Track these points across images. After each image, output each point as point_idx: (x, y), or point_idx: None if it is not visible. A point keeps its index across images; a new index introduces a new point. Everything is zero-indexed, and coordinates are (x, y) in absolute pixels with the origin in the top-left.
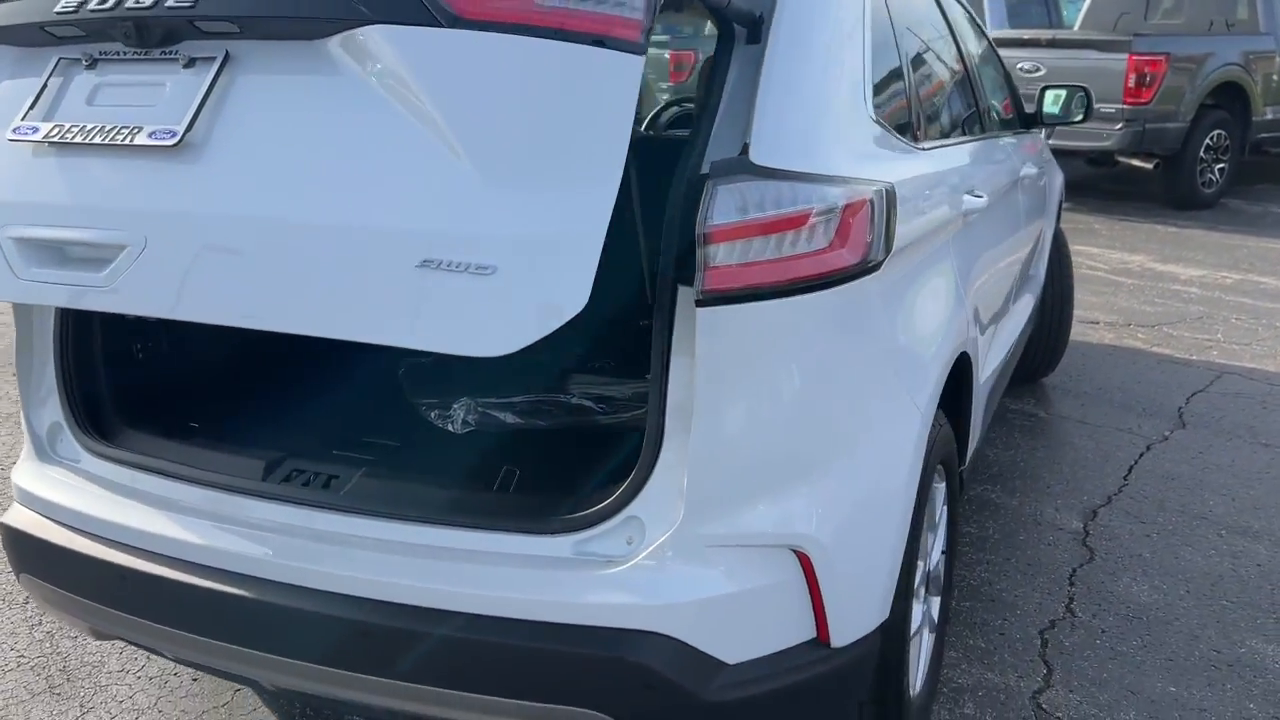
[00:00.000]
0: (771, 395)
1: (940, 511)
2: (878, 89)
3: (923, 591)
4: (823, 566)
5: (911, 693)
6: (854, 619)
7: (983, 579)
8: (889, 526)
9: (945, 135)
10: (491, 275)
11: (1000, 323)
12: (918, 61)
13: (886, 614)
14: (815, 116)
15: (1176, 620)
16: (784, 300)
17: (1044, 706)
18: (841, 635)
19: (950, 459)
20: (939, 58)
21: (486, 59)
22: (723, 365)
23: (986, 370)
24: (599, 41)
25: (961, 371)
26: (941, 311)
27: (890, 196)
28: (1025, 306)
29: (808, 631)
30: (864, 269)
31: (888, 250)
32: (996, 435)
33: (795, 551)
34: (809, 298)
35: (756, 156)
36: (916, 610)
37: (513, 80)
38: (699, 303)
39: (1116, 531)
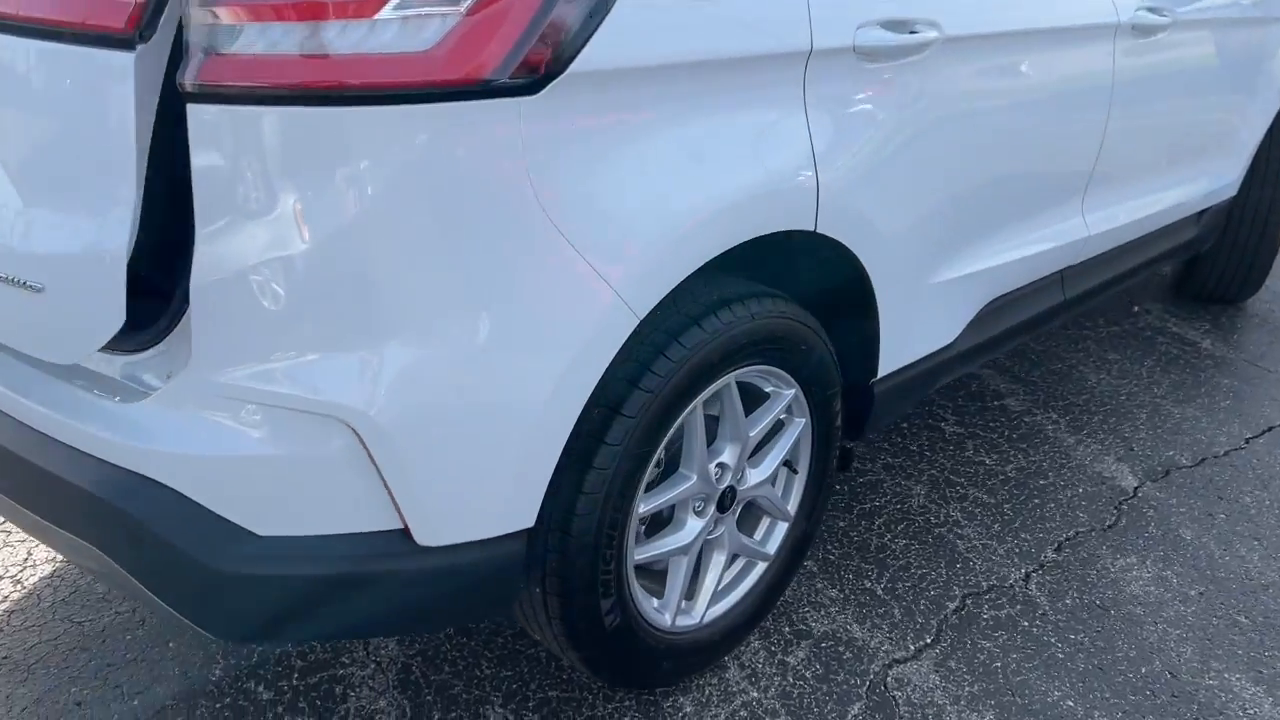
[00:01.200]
0: (315, 236)
1: (757, 423)
2: None
3: (701, 510)
4: (382, 450)
5: (661, 622)
6: (453, 518)
7: (951, 520)
8: (518, 422)
9: None
10: (42, 293)
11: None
12: None
13: (530, 521)
14: None
15: (1152, 626)
16: (314, 110)
17: (890, 679)
18: (431, 534)
19: (794, 365)
20: None
21: (9, 65)
22: (225, 187)
23: (943, 264)
24: (100, 40)
25: (837, 262)
26: (742, 176)
27: None
28: (1161, 192)
29: (387, 521)
30: (497, 88)
31: (552, 68)
32: (1120, 359)
33: (351, 427)
34: (369, 114)
35: None
36: (687, 532)
37: (34, 90)
38: (187, 96)
39: (1170, 505)
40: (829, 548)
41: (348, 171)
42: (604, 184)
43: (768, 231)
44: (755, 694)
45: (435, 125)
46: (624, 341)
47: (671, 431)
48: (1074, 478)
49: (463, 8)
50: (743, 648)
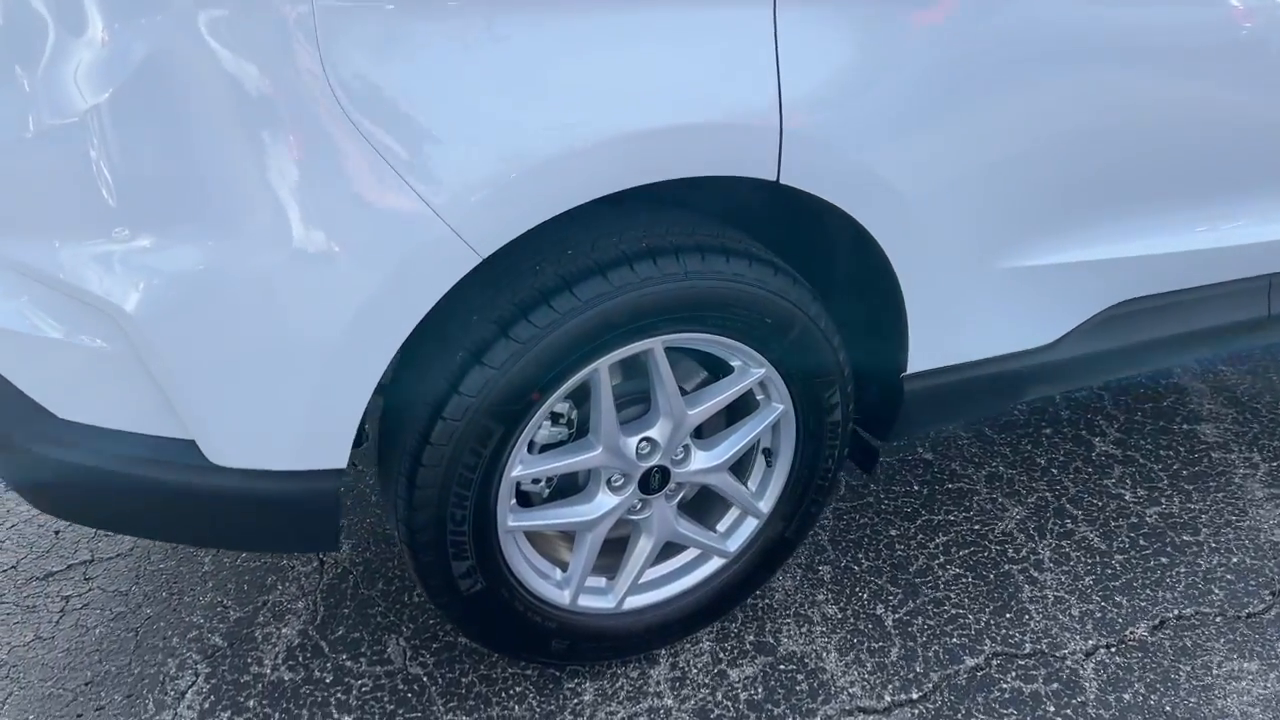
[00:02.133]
0: (96, 116)
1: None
2: None
3: (620, 486)
4: (147, 352)
5: (556, 599)
6: (244, 442)
7: (1035, 558)
8: (311, 348)
9: None
10: None
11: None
12: None
13: (340, 462)
14: None
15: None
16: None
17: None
18: (219, 453)
19: (759, 340)
20: None
21: None
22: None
23: (1026, 245)
24: None
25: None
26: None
27: None
28: None
29: (176, 429)
30: None
31: None
32: None
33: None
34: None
35: None
36: (593, 506)
37: None
38: None
39: None
40: (861, 554)
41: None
42: (430, 85)
43: (696, 174)
44: (669, 702)
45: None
46: (462, 277)
47: (563, 390)
48: (1236, 542)
49: None
50: (689, 643)
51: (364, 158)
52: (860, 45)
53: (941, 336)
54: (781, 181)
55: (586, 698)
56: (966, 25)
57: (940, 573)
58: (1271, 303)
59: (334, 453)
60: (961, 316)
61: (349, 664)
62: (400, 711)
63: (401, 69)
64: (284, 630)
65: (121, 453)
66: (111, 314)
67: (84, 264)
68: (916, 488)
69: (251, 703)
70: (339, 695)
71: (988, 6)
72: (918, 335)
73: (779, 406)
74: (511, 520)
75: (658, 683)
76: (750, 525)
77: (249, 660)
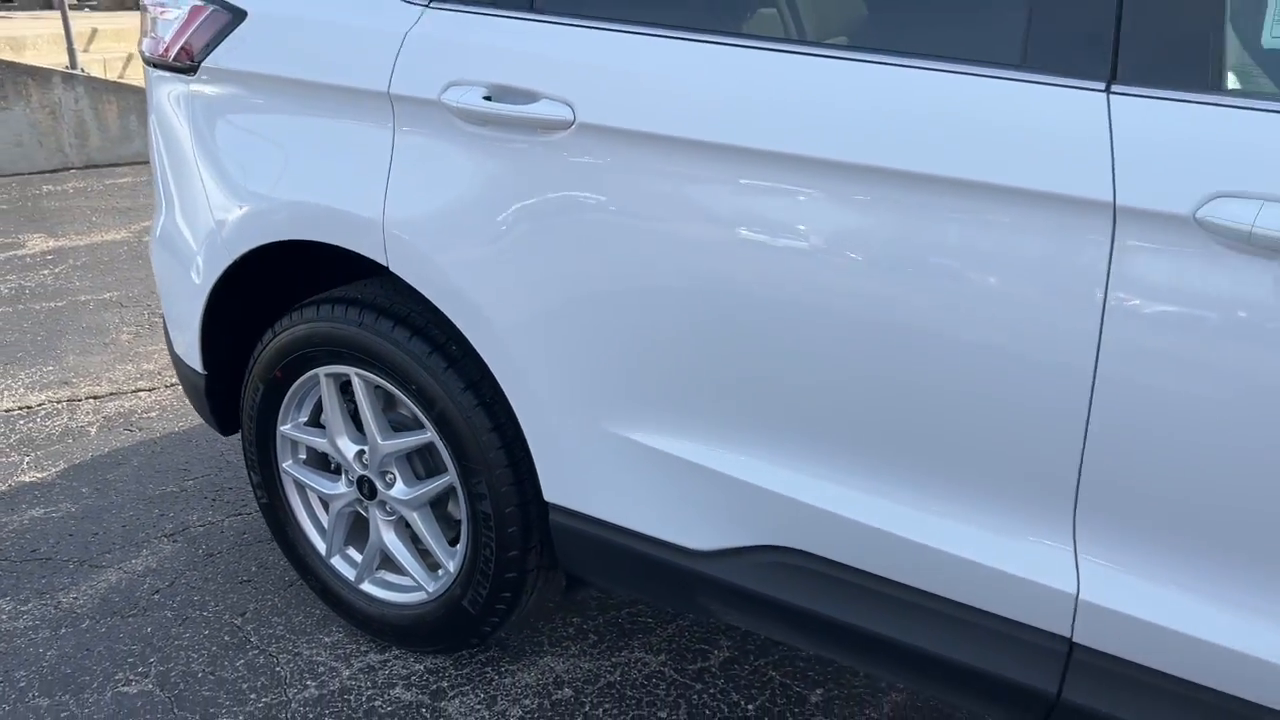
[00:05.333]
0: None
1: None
2: None
3: (346, 475)
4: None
5: (318, 546)
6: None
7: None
8: (187, 277)
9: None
10: None
11: None
12: None
13: (199, 367)
14: None
15: None
16: (158, 73)
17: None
18: None
19: (417, 396)
20: None
21: None
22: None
23: (643, 424)
24: None
25: None
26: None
27: (215, 15)
28: None
29: None
30: (174, 67)
31: (194, 61)
32: None
33: None
34: (158, 75)
35: None
36: (331, 483)
37: None
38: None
39: None
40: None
41: (153, 104)
42: (219, 149)
43: (341, 243)
44: (343, 678)
45: (163, 85)
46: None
47: (296, 384)
48: None
49: (163, 34)
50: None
51: (196, 184)
52: (459, 182)
53: (564, 475)
54: (392, 269)
55: (303, 658)
56: (539, 186)
57: None
58: (1066, 682)
59: (197, 359)
60: (584, 470)
61: None
62: None
63: (215, 137)
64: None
65: None
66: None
67: None
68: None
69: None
70: None
71: (556, 176)
72: (542, 464)
73: (445, 476)
74: (283, 463)
75: (335, 657)
76: (445, 578)
77: None
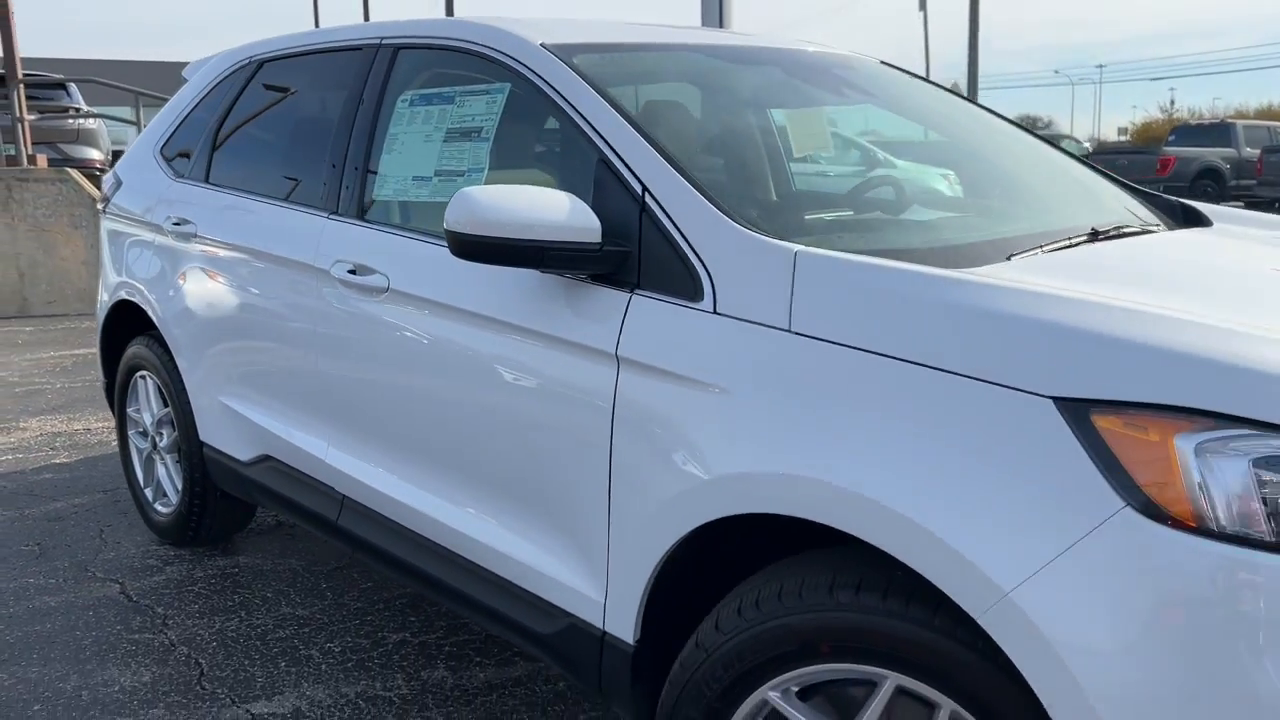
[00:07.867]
0: None
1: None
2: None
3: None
4: None
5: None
6: None
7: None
8: None
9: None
10: None
11: None
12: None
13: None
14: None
15: None
16: None
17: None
18: None
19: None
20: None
21: None
22: None
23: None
24: None
25: None
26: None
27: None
28: None
29: None
30: None
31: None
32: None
33: None
34: None
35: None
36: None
37: None
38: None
39: None
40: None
41: None
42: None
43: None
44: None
45: None
46: None
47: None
48: None
49: None
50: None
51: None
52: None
53: (205, 424)
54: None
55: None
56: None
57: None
58: (341, 516)
59: None
60: (206, 413)
61: None
62: None
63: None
64: None
65: None
66: None
67: None
68: None
69: None
70: None
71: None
72: (195, 404)
73: (176, 431)
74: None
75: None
76: (177, 497)
77: None
